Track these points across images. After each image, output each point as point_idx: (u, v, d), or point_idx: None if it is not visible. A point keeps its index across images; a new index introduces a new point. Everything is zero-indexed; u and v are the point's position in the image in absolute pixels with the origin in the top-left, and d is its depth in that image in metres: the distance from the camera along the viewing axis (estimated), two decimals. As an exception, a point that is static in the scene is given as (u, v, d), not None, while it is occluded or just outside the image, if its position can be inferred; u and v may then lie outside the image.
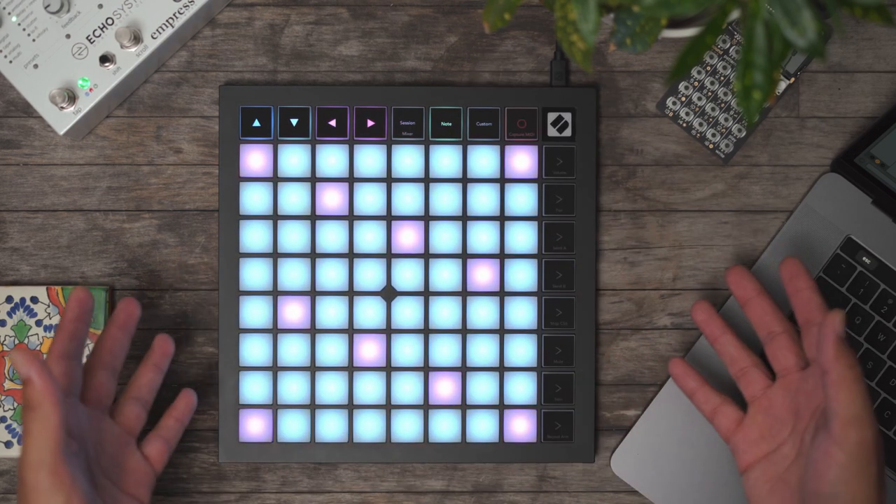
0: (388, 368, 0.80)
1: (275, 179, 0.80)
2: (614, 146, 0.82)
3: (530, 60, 0.82)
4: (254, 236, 0.80)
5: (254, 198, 0.80)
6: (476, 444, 0.80)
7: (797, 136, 0.82)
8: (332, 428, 0.80)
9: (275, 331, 0.80)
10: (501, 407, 0.80)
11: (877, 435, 0.68)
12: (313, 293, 0.80)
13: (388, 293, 0.80)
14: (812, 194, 0.81)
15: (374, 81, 0.82)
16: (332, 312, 0.80)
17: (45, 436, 0.66)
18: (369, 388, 0.80)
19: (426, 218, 0.80)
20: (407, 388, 0.80)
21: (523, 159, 0.80)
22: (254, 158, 0.80)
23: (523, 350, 0.80)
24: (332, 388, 0.80)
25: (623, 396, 0.81)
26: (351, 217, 0.80)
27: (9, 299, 0.80)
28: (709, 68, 0.82)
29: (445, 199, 0.80)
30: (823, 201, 0.81)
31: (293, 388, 0.80)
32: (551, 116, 0.80)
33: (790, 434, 0.73)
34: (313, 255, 0.80)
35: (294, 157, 0.80)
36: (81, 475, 0.67)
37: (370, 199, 0.80)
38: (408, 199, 0.80)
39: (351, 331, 0.80)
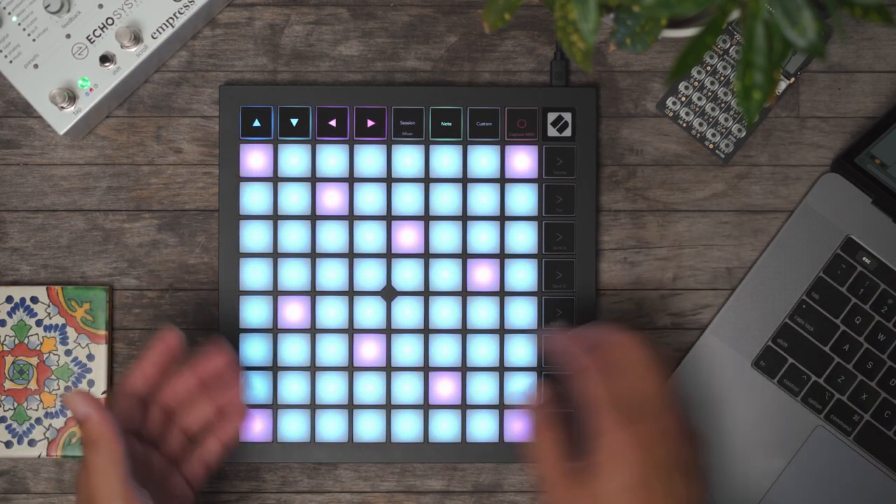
0: (388, 368, 0.80)
1: (275, 179, 0.80)
2: (614, 146, 0.82)
3: (530, 60, 0.82)
4: (254, 236, 0.80)
5: (254, 198, 0.80)
6: (476, 444, 0.80)
7: (797, 136, 0.82)
8: (332, 428, 0.80)
9: (275, 331, 0.80)
10: (501, 407, 0.80)
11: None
12: (313, 293, 0.80)
13: (388, 293, 0.80)
14: (812, 194, 0.81)
15: (374, 81, 0.82)
16: (332, 312, 0.80)
17: (112, 470, 0.68)
18: (369, 388, 0.80)
19: (426, 218, 0.80)
20: (407, 388, 0.80)
21: (523, 159, 0.80)
22: (254, 158, 0.80)
23: (523, 350, 0.80)
24: (332, 388, 0.80)
25: (623, 396, 0.81)
26: (351, 217, 0.80)
27: (9, 299, 0.80)
28: (709, 68, 0.82)
29: (445, 199, 0.80)
30: (823, 201, 0.81)
31: (293, 388, 0.80)
32: (551, 116, 0.80)
33: None
34: (313, 255, 0.80)
35: (294, 157, 0.80)
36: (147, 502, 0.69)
37: (370, 198, 0.80)
38: (408, 199, 0.80)
39: (351, 331, 0.80)
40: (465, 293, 0.80)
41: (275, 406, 0.80)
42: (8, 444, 0.79)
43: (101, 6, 0.78)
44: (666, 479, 0.69)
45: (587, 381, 0.71)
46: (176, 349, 0.74)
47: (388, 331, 0.80)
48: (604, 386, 0.71)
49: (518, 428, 0.80)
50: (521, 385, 0.80)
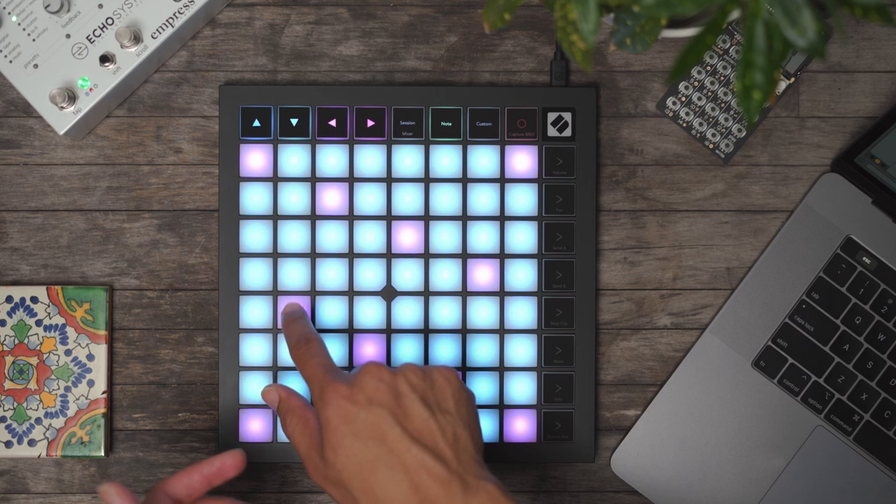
0: (388, 368, 0.80)
1: (275, 179, 0.80)
2: (614, 146, 0.82)
3: (530, 60, 0.82)
4: (254, 236, 0.80)
5: (254, 198, 0.80)
6: (476, 444, 0.80)
7: (797, 136, 0.82)
8: (332, 428, 0.80)
9: (275, 330, 0.80)
10: (501, 407, 0.80)
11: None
12: (313, 293, 0.80)
13: (388, 293, 0.80)
14: (812, 194, 0.81)
15: (374, 81, 0.82)
16: (332, 312, 0.80)
17: None
18: (369, 388, 0.80)
19: (426, 218, 0.80)
20: (407, 388, 0.80)
21: (523, 159, 0.80)
22: (254, 158, 0.80)
23: (523, 350, 0.80)
24: (332, 388, 0.80)
25: (623, 396, 0.81)
26: (351, 217, 0.80)
27: (9, 299, 0.80)
28: (709, 68, 0.82)
29: (445, 198, 0.80)
30: (823, 201, 0.81)
31: (293, 388, 0.80)
32: (551, 116, 0.80)
33: None
34: (313, 255, 0.80)
35: (294, 157, 0.80)
36: None
37: (370, 198, 0.80)
38: (408, 199, 0.80)
39: (351, 331, 0.80)
40: (465, 293, 0.80)
41: (275, 406, 0.80)
42: (8, 444, 0.79)
43: (101, 6, 0.78)
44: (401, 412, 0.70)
45: (302, 359, 0.74)
46: (229, 476, 0.74)
47: (388, 331, 0.80)
48: (319, 357, 0.73)
49: (519, 429, 0.80)
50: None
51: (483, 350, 0.80)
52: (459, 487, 0.68)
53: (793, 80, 0.82)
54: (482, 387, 0.80)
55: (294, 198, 0.80)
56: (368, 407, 0.69)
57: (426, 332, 0.80)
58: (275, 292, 0.80)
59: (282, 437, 0.80)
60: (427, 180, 0.80)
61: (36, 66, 0.77)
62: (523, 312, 0.80)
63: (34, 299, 0.80)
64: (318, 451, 0.71)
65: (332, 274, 0.80)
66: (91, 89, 0.78)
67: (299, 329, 0.76)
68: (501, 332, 0.80)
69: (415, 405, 0.70)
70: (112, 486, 0.70)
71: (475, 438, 0.71)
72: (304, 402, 0.74)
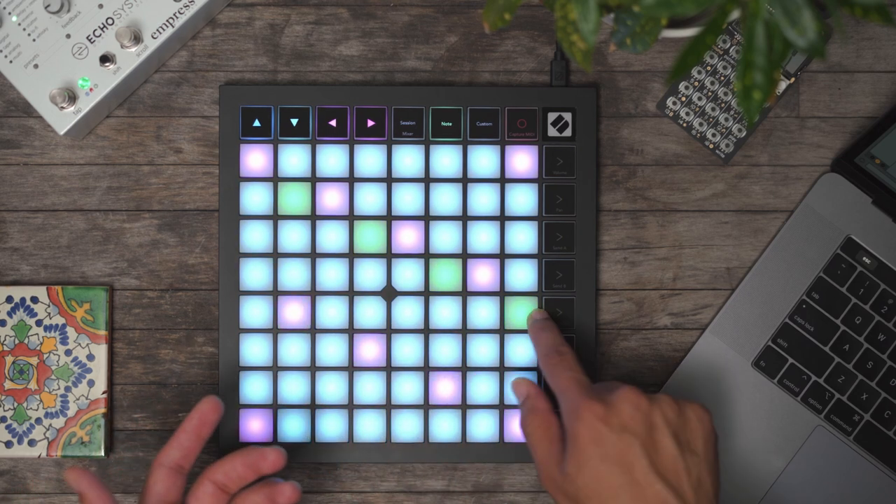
0: (388, 368, 0.80)
1: (275, 179, 0.80)
2: (614, 146, 0.82)
3: (530, 60, 0.82)
4: (254, 236, 0.80)
5: (254, 198, 0.80)
6: (476, 444, 0.80)
7: (797, 136, 0.82)
8: (332, 428, 0.80)
9: (275, 331, 0.80)
10: (501, 407, 0.80)
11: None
12: (313, 293, 0.80)
13: (388, 293, 0.80)
14: (812, 194, 0.81)
15: (374, 81, 0.82)
16: (332, 312, 0.80)
17: None
18: (369, 388, 0.80)
19: (426, 218, 0.80)
20: (407, 388, 0.80)
21: (523, 159, 0.80)
22: (254, 158, 0.80)
23: (523, 350, 0.80)
24: (332, 388, 0.80)
25: (623, 396, 0.81)
26: (351, 217, 0.80)
27: (9, 299, 0.80)
28: (709, 68, 0.82)
29: (445, 199, 0.80)
30: (823, 201, 0.81)
31: (293, 388, 0.80)
32: (551, 116, 0.80)
33: None
34: (313, 255, 0.80)
35: (294, 157, 0.80)
36: None
37: (370, 198, 0.80)
38: (408, 198, 0.80)
39: (351, 331, 0.80)
40: (465, 293, 0.80)
41: (275, 406, 0.80)
42: (8, 444, 0.79)
43: (101, 6, 0.78)
44: (652, 449, 0.70)
45: (555, 371, 0.74)
46: (213, 420, 0.73)
47: (388, 331, 0.80)
48: (573, 372, 0.73)
49: (519, 429, 0.80)
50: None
51: (483, 350, 0.80)
52: None
53: (793, 80, 0.82)
54: (482, 387, 0.80)
55: (294, 198, 0.80)
56: (621, 434, 0.70)
57: (426, 332, 0.80)
58: (275, 292, 0.80)
59: (282, 437, 0.80)
60: (427, 180, 0.80)
61: (36, 66, 0.77)
62: (523, 313, 0.80)
63: (34, 299, 0.80)
64: (556, 461, 0.72)
65: (332, 274, 0.80)
66: (91, 89, 0.78)
67: (550, 339, 0.77)
68: (502, 331, 0.80)
69: (666, 440, 0.70)
70: (73, 470, 0.71)
71: (715, 484, 0.71)
72: (551, 407, 0.75)
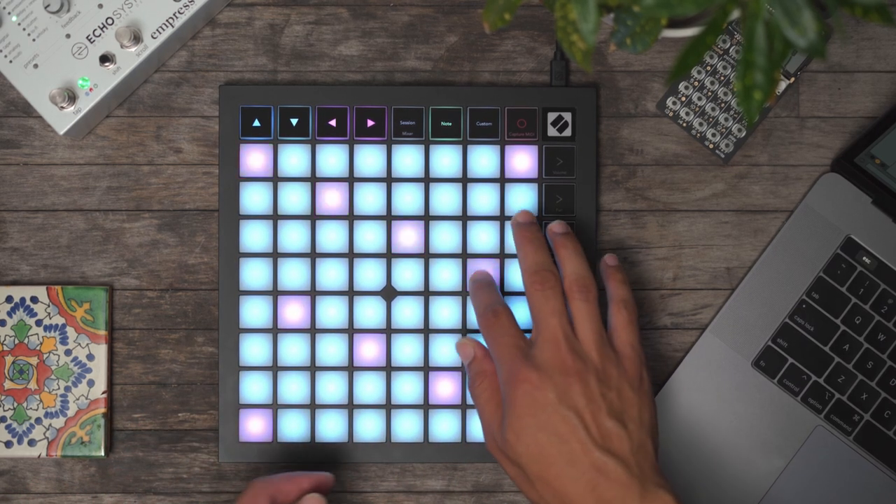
0: (388, 368, 0.80)
1: (275, 179, 0.80)
2: (614, 146, 0.82)
3: (530, 60, 0.82)
4: (254, 236, 0.80)
5: (254, 198, 0.80)
6: (476, 444, 0.80)
7: (797, 136, 0.82)
8: (332, 428, 0.80)
9: (275, 331, 0.80)
10: (501, 407, 0.80)
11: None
12: (313, 293, 0.80)
13: (388, 293, 0.80)
14: (812, 194, 0.81)
15: (374, 81, 0.82)
16: (332, 312, 0.80)
17: None
18: (369, 388, 0.80)
19: (426, 218, 0.80)
20: (407, 388, 0.80)
21: (523, 159, 0.80)
22: (254, 158, 0.80)
23: (523, 350, 0.80)
24: (332, 388, 0.80)
25: (623, 396, 0.81)
26: (351, 217, 0.80)
27: (9, 299, 0.80)
28: (709, 68, 0.82)
29: (445, 198, 0.80)
30: (823, 201, 0.81)
31: (293, 388, 0.80)
32: (551, 116, 0.80)
33: None
34: (313, 255, 0.80)
35: (294, 157, 0.80)
36: None
37: (370, 198, 0.80)
38: (408, 198, 0.80)
39: (351, 331, 0.80)
40: (465, 293, 0.80)
41: (275, 406, 0.80)
42: (8, 444, 0.79)
43: (101, 6, 0.78)
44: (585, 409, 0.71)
45: (491, 333, 0.74)
46: (323, 490, 0.75)
47: (388, 331, 0.80)
48: (509, 336, 0.73)
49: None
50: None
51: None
52: (637, 492, 0.69)
53: (793, 80, 0.82)
54: (482, 387, 0.80)
55: (294, 198, 0.80)
56: (557, 404, 0.70)
57: (426, 332, 0.80)
58: (275, 292, 0.80)
59: (282, 437, 0.80)
60: (427, 180, 0.80)
61: (36, 66, 0.77)
62: (524, 313, 0.80)
63: (34, 299, 0.80)
64: (498, 425, 0.73)
65: (332, 274, 0.80)
66: (91, 89, 0.78)
67: (487, 298, 0.77)
68: (501, 332, 0.80)
69: (602, 411, 0.71)
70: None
71: (655, 446, 0.72)
72: (496, 370, 0.75)
